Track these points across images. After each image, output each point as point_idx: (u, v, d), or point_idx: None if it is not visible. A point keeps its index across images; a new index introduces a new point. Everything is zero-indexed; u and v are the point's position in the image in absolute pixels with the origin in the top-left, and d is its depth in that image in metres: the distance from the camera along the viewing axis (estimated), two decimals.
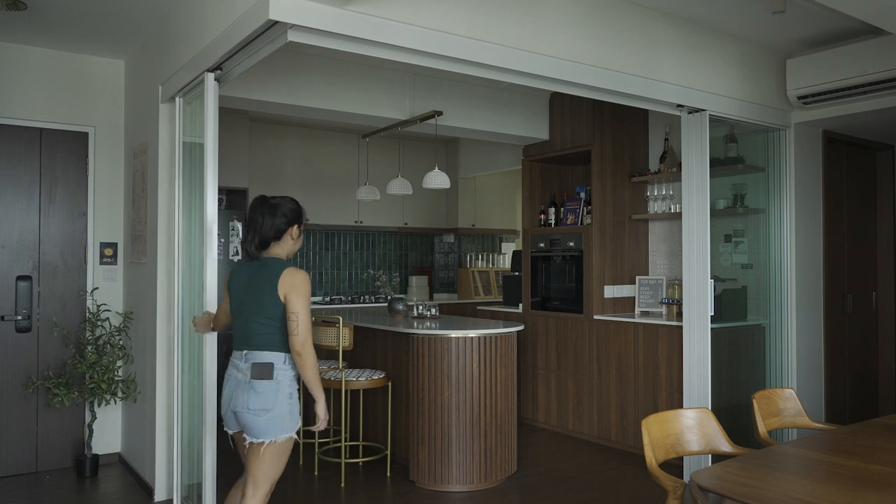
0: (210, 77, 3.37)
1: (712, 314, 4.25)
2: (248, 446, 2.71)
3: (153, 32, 4.36)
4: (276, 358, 2.71)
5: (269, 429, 2.66)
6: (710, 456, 3.89)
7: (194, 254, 3.79)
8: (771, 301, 4.90)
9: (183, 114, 3.91)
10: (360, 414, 4.92)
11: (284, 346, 2.73)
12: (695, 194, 4.30)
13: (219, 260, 3.72)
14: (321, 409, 2.75)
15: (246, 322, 2.76)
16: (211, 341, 3.45)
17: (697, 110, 4.28)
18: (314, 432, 5.05)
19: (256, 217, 2.78)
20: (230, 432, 2.85)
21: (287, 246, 2.84)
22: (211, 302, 3.41)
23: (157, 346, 4.13)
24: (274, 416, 2.66)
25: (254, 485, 2.71)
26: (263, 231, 2.77)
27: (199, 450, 3.64)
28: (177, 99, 3.91)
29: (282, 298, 2.69)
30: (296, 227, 2.84)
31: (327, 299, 7.38)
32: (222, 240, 5.88)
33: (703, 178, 4.27)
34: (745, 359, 4.84)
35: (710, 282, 4.25)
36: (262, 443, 2.67)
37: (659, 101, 4.15)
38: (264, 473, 2.70)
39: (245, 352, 2.74)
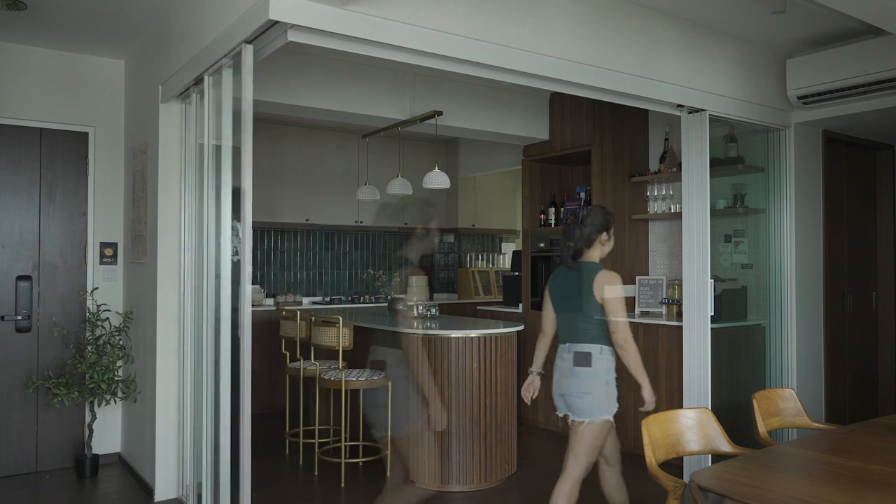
0: (248, 48, 3.04)
1: (712, 314, 4.25)
2: (570, 425, 3.11)
3: (153, 32, 4.36)
4: (594, 349, 3.08)
5: (588, 410, 3.05)
6: (710, 456, 3.89)
7: (205, 252, 3.78)
8: (771, 301, 4.89)
9: (199, 108, 3.81)
10: (361, 414, 4.92)
11: (601, 338, 3.09)
12: (695, 194, 4.30)
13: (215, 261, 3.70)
14: (647, 392, 3.09)
15: (568, 319, 3.19)
16: (225, 341, 3.42)
17: (697, 110, 4.27)
18: (313, 432, 5.07)
19: (571, 231, 3.25)
20: (559, 414, 3.20)
21: (597, 250, 3.22)
22: (225, 299, 3.39)
23: (157, 345, 4.13)
24: (592, 399, 3.05)
25: (574, 458, 3.06)
26: (576, 241, 3.20)
27: (206, 449, 3.65)
28: (192, 93, 3.81)
29: (598, 298, 3.07)
30: (604, 233, 3.21)
31: (327, 299, 7.38)
32: None
33: (703, 178, 4.26)
34: (745, 359, 4.84)
35: (710, 282, 4.25)
36: (583, 422, 3.05)
37: (659, 101, 4.15)
38: (582, 450, 3.06)
39: (568, 344, 3.15)
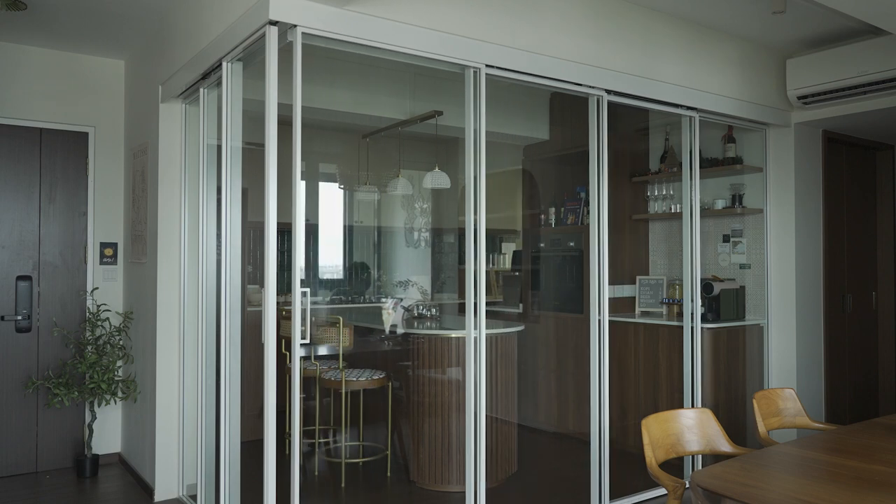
0: (273, 30, 2.91)
1: (707, 313, 4.25)
2: None
3: (153, 32, 4.36)
4: None
5: None
6: (710, 456, 3.89)
7: (205, 251, 3.78)
8: (770, 301, 4.89)
9: (207, 105, 3.77)
10: (361, 414, 4.92)
11: None
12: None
13: (216, 260, 3.71)
14: None
15: None
16: (234, 340, 3.42)
17: (697, 110, 4.28)
18: (313, 432, 5.07)
19: None
20: None
21: None
22: (227, 299, 3.39)
23: (157, 345, 4.13)
24: None
25: None
26: None
27: (206, 448, 3.65)
28: (200, 88, 3.77)
29: None
30: None
31: (327, 299, 7.37)
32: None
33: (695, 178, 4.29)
34: (745, 359, 4.84)
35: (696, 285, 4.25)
36: None
37: (658, 101, 4.15)
38: None
39: None
